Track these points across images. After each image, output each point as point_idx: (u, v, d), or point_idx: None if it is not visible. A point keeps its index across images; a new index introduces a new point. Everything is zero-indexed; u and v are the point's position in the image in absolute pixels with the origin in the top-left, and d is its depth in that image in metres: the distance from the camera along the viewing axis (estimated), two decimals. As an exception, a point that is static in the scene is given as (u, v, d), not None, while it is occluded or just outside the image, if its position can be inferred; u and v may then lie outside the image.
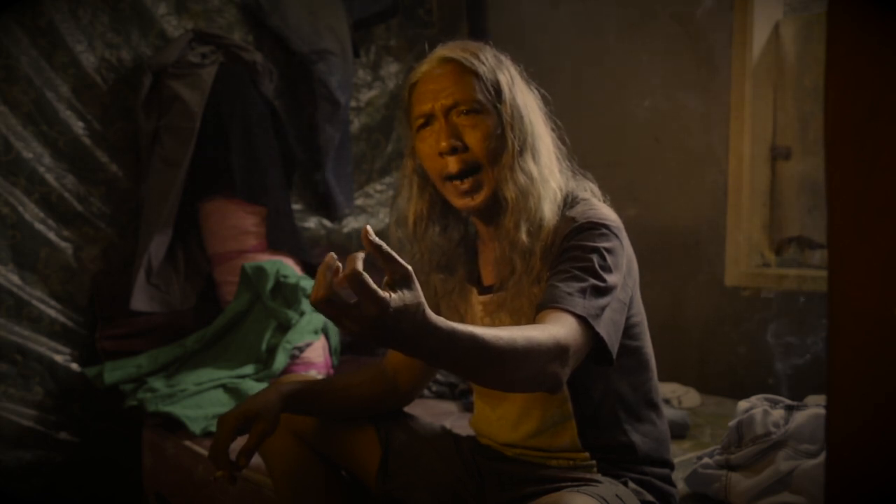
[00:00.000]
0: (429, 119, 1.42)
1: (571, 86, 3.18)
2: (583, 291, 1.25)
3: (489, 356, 1.06)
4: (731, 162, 2.78)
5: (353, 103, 3.34)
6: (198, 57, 2.75)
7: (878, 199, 0.65)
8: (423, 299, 0.97)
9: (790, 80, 2.72)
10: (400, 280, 0.96)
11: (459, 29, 3.54)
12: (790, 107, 2.74)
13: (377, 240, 0.94)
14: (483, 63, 1.41)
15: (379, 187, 3.47)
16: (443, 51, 1.44)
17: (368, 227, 0.94)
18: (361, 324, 0.93)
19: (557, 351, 1.14)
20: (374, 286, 0.92)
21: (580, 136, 1.61)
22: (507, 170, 1.39)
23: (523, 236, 1.38)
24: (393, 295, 0.94)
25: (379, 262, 0.95)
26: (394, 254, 0.95)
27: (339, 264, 0.96)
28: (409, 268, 0.96)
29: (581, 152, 1.53)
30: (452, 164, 1.40)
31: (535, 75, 1.51)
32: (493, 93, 1.40)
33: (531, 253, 1.38)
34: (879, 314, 0.65)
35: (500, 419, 1.52)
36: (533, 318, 1.28)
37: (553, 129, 1.49)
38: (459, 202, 1.43)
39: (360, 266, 0.91)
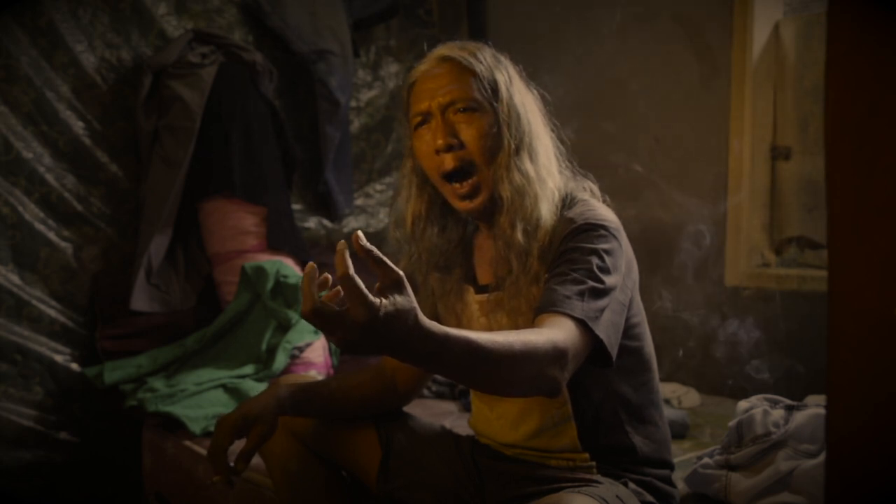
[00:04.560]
0: (426, 117, 1.42)
1: (571, 86, 3.18)
2: (581, 294, 1.24)
3: (485, 361, 1.05)
4: (731, 162, 2.78)
5: (353, 103, 3.34)
6: (198, 57, 2.75)
7: (878, 199, 0.65)
8: (415, 304, 0.97)
9: (790, 80, 2.72)
10: (391, 285, 0.95)
11: (459, 29, 3.54)
12: (790, 107, 2.74)
13: (368, 245, 0.94)
14: (481, 62, 1.42)
15: (379, 187, 3.47)
16: (441, 50, 1.45)
17: (360, 233, 0.94)
18: (352, 330, 0.93)
19: (555, 355, 1.14)
20: (365, 290, 0.92)
21: (579, 136, 1.61)
22: (503, 169, 1.39)
23: (519, 236, 1.38)
24: (384, 300, 0.94)
25: (371, 267, 0.95)
26: (385, 259, 0.95)
27: (328, 275, 0.96)
28: (401, 273, 0.96)
29: (580, 152, 1.53)
30: (448, 161, 1.39)
31: (535, 75, 1.51)
32: (490, 91, 1.41)
33: (528, 253, 1.38)
34: (879, 314, 0.65)
35: (498, 419, 1.52)
36: (531, 319, 1.27)
37: (552, 130, 1.49)
38: (459, 205, 1.43)
39: (350, 267, 0.91)
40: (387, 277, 0.95)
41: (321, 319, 0.93)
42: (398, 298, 0.95)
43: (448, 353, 1.01)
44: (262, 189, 2.80)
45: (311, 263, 0.95)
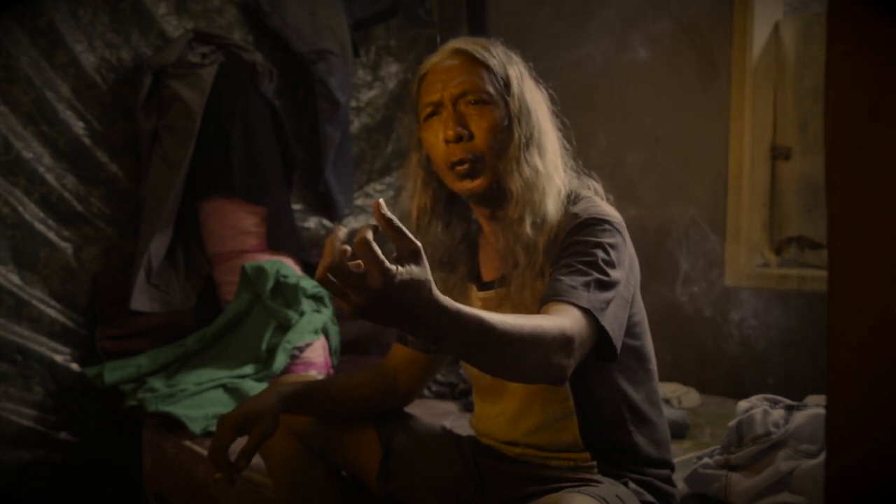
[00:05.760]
0: (437, 108, 1.42)
1: (571, 86, 3.18)
2: (587, 285, 1.24)
3: (495, 340, 1.05)
4: (731, 162, 2.78)
5: (353, 103, 3.34)
6: (198, 57, 2.75)
7: (878, 199, 0.65)
8: (430, 276, 0.96)
9: (790, 80, 2.72)
10: (408, 255, 0.94)
11: (459, 29, 3.54)
12: (790, 107, 2.74)
13: (388, 213, 0.93)
14: (494, 57, 1.42)
15: (379, 187, 3.47)
16: (454, 43, 1.45)
17: (381, 201, 0.93)
18: (367, 296, 0.92)
19: (563, 341, 1.14)
20: (382, 256, 0.91)
21: (580, 136, 1.61)
22: (512, 162, 1.39)
23: (527, 229, 1.37)
24: (400, 268, 0.93)
25: (388, 236, 0.94)
26: (404, 228, 0.94)
27: (348, 248, 0.94)
28: (419, 243, 0.95)
29: (580, 152, 1.53)
30: (457, 151, 1.39)
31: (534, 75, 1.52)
32: (502, 85, 1.41)
33: (534, 247, 1.38)
34: (879, 314, 0.65)
35: (499, 415, 1.51)
36: (536, 313, 1.27)
37: (559, 129, 1.50)
38: (460, 185, 1.41)
39: (370, 235, 0.90)
40: (404, 247, 0.94)
41: (339, 276, 0.91)
42: (415, 268, 0.94)
43: (460, 329, 1.01)
44: (262, 189, 2.80)
45: (340, 226, 0.93)
